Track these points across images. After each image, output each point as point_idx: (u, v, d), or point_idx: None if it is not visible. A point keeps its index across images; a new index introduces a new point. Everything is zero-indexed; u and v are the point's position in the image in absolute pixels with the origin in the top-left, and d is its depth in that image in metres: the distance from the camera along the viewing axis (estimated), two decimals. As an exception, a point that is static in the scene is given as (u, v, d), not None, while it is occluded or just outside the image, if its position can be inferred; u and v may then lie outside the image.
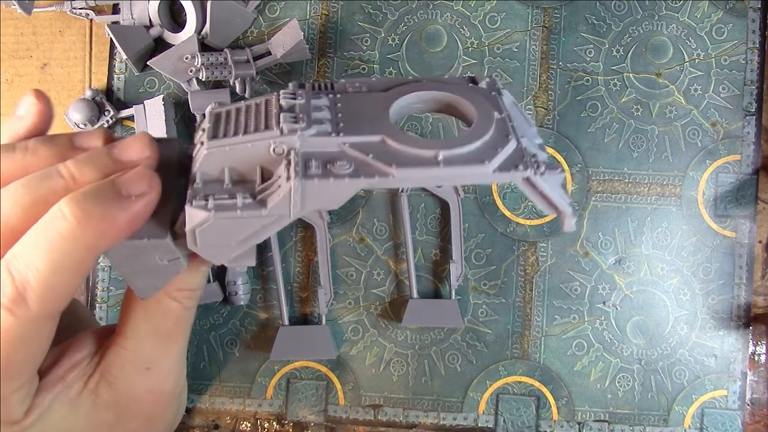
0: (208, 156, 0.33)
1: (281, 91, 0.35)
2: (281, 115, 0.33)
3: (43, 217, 0.30)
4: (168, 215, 0.34)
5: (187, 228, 0.32)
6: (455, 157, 0.32)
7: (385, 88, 0.37)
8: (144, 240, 0.33)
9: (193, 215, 0.32)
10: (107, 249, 0.32)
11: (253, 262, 0.35)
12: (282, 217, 0.32)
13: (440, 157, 0.32)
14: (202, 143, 0.34)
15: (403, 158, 0.32)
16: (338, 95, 0.36)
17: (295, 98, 0.35)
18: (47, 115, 0.37)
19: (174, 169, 0.36)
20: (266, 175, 0.34)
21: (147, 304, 0.36)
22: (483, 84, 0.37)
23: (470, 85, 0.37)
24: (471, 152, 0.33)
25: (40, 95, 0.37)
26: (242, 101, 0.36)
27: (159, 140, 0.36)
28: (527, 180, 0.32)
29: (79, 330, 0.39)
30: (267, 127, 0.33)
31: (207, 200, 0.32)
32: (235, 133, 0.33)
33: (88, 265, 0.31)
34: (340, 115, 0.34)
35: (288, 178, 0.32)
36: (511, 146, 0.33)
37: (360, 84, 0.37)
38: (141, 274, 0.34)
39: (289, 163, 0.32)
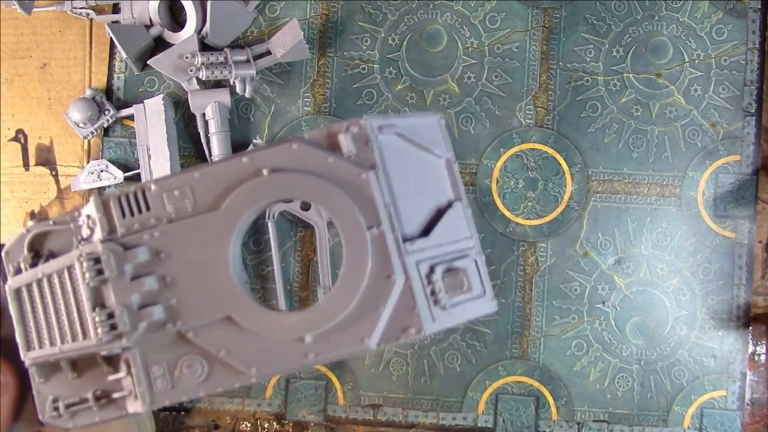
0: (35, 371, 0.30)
1: (82, 255, 0.29)
2: (95, 313, 0.28)
3: None
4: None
5: None
6: (326, 343, 0.27)
7: (214, 199, 0.29)
8: None
9: (53, 426, 0.30)
10: None
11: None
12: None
13: (307, 340, 0.27)
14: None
15: (261, 349, 0.27)
16: (158, 230, 0.29)
17: (101, 272, 0.28)
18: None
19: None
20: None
21: None
22: (347, 142, 0.28)
23: (328, 159, 0.28)
24: (344, 329, 0.27)
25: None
26: (39, 268, 0.30)
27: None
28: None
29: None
30: (83, 329, 0.29)
31: (57, 408, 0.30)
32: (51, 339, 0.29)
33: None
34: (169, 278, 0.28)
35: (133, 394, 0.28)
36: (395, 292, 0.26)
37: (181, 193, 0.29)
38: None
39: (128, 366, 0.29)
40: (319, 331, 0.27)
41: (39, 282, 0.30)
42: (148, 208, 0.29)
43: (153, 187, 0.30)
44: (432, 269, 0.27)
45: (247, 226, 0.30)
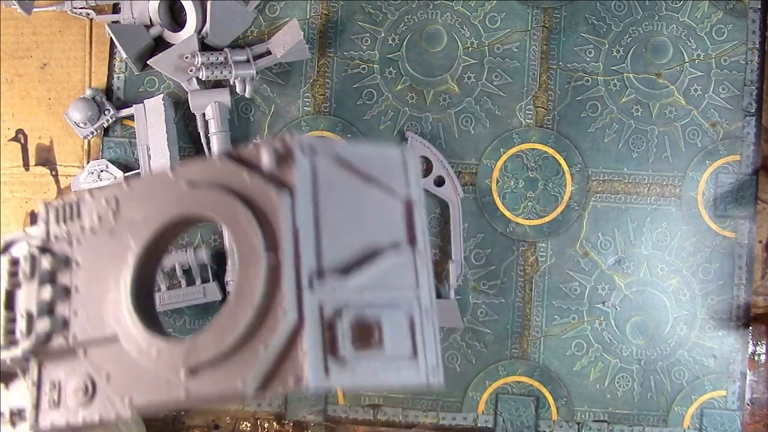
0: None
1: (7, 266, 0.29)
2: (11, 318, 0.28)
3: None
4: None
5: None
6: (200, 380, 0.23)
7: (136, 212, 0.28)
8: None
9: None
10: None
11: None
12: None
13: (181, 374, 0.24)
14: None
15: (139, 378, 0.25)
16: (80, 239, 0.28)
17: (17, 285, 0.28)
18: None
19: None
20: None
21: None
22: (267, 159, 0.25)
23: (243, 175, 0.25)
24: (221, 366, 0.23)
25: None
26: None
27: None
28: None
29: None
30: None
31: None
32: None
33: None
34: (74, 289, 0.28)
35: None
36: (283, 331, 0.22)
37: (107, 204, 0.28)
38: None
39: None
40: (192, 364, 0.24)
41: None
42: (80, 217, 0.29)
43: (87, 197, 0.29)
44: (339, 313, 0.23)
45: (163, 243, 0.28)
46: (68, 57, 0.65)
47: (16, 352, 0.27)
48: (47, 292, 0.28)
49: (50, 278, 0.28)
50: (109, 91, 0.65)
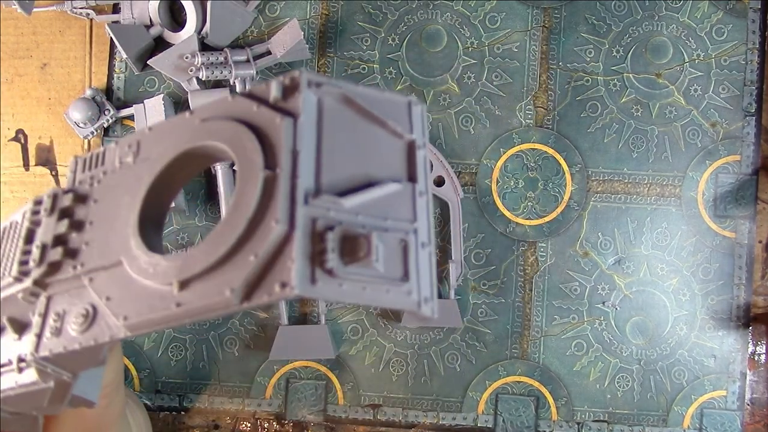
0: None
1: (31, 206, 0.30)
2: (27, 251, 0.29)
3: None
4: None
5: None
6: (191, 293, 0.24)
7: (155, 152, 0.29)
8: None
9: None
10: None
11: (95, 399, 0.31)
12: (61, 384, 0.28)
13: (174, 287, 0.24)
14: None
15: (137, 297, 0.25)
16: (101, 179, 0.30)
17: (38, 223, 0.29)
18: None
19: None
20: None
21: (63, 414, 0.35)
22: (273, 89, 0.26)
23: (253, 107, 0.27)
24: (211, 278, 0.23)
25: None
26: (13, 218, 0.31)
27: None
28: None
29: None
30: (10, 269, 0.29)
31: None
32: None
33: None
34: (88, 223, 0.29)
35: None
36: (273, 239, 0.22)
37: (129, 148, 0.29)
38: (40, 410, 0.31)
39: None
40: (184, 276, 0.24)
41: (8, 228, 0.32)
42: (103, 163, 0.30)
43: (113, 145, 0.31)
44: (331, 228, 0.23)
45: (174, 177, 0.29)
46: (68, 57, 0.65)
47: (27, 282, 0.28)
48: (63, 225, 0.29)
49: (68, 214, 0.29)
50: (109, 91, 0.65)
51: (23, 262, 0.29)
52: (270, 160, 0.24)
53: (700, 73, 0.64)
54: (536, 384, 0.64)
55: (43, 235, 0.29)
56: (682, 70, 0.64)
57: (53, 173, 0.65)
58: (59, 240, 0.29)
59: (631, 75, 0.64)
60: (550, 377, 0.63)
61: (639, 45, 0.64)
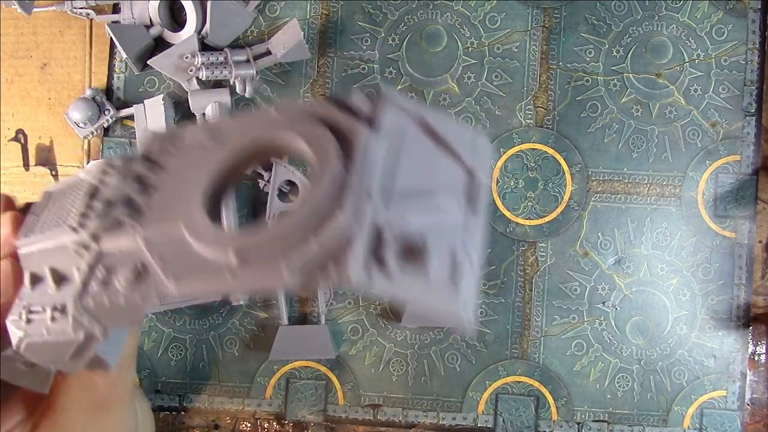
0: (25, 258, 0.30)
1: (103, 165, 0.31)
2: (90, 205, 0.29)
3: None
4: None
5: (14, 345, 0.29)
6: (248, 267, 0.24)
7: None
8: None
9: (12, 331, 0.29)
10: None
11: (113, 364, 0.31)
12: (90, 338, 0.28)
13: (231, 258, 0.25)
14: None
15: (188, 262, 0.26)
16: (174, 154, 0.31)
17: (105, 183, 0.30)
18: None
19: None
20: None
21: (75, 378, 0.35)
22: (361, 102, 0.28)
23: (338, 114, 0.28)
24: (269, 256, 0.24)
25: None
26: (78, 176, 0.32)
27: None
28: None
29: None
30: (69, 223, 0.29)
31: (21, 315, 0.29)
32: (48, 227, 0.30)
33: None
34: (155, 189, 0.29)
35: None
36: (336, 226, 0.23)
37: (209, 134, 0.30)
38: (59, 364, 0.32)
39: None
40: (243, 249, 0.24)
41: (72, 183, 0.32)
42: (182, 141, 0.31)
43: (194, 126, 0.32)
44: (391, 228, 0.24)
45: (244, 161, 0.30)
46: (68, 57, 0.65)
47: (84, 234, 0.28)
48: (132, 187, 0.29)
49: (138, 178, 0.30)
50: (109, 91, 0.65)
51: (83, 215, 0.29)
52: (346, 163, 0.25)
53: (700, 73, 0.64)
54: (536, 384, 0.64)
55: (111, 193, 0.29)
56: (682, 70, 0.64)
57: (53, 173, 0.65)
58: (125, 199, 0.29)
59: (631, 75, 0.64)
60: (550, 377, 0.63)
61: (639, 45, 0.64)
